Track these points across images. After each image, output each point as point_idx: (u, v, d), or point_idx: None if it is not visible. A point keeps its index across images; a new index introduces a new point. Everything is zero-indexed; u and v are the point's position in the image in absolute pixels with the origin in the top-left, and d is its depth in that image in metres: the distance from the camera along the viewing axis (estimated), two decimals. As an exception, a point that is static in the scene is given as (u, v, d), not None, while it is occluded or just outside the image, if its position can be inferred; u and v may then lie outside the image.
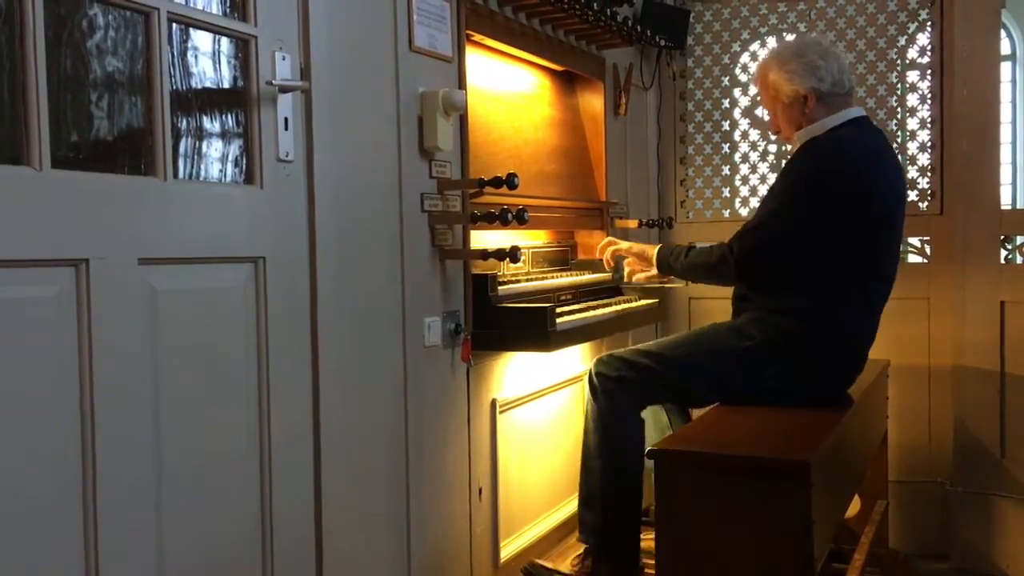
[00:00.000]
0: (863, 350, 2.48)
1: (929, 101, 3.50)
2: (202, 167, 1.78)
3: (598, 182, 3.36)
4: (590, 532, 2.50)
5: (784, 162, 3.70)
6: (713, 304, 3.64)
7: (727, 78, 3.83)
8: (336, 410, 2.01)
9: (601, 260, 3.24)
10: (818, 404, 2.36)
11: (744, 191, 3.84)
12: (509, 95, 2.96)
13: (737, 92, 3.83)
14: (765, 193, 2.46)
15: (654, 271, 2.65)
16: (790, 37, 3.70)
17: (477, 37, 2.62)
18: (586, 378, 2.57)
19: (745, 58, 3.82)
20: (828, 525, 2.12)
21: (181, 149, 1.73)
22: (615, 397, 2.45)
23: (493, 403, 2.62)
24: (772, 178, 3.74)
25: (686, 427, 2.21)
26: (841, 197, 2.31)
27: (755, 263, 2.38)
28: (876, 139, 2.46)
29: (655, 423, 2.76)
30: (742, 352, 2.39)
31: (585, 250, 3.33)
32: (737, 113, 3.84)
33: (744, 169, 3.84)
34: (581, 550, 2.68)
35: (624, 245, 2.68)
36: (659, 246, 2.61)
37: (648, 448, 2.05)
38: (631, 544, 2.45)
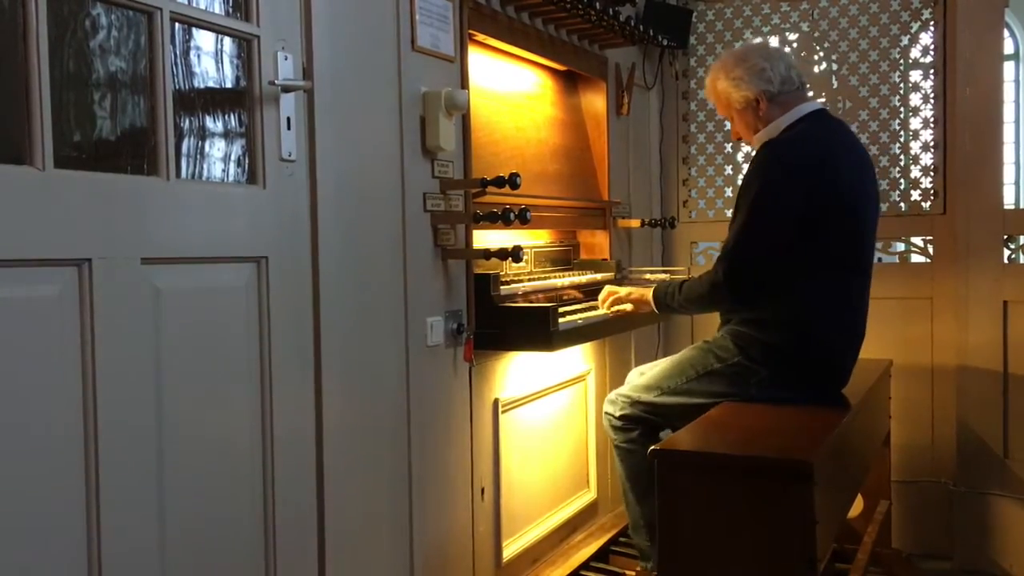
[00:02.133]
0: (850, 347, 2.47)
1: (932, 101, 3.49)
2: (205, 167, 1.78)
3: (600, 182, 3.36)
4: (646, 557, 2.62)
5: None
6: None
7: (729, 78, 3.82)
8: (338, 410, 2.01)
9: (602, 260, 3.24)
10: (816, 403, 2.37)
11: (746, 191, 3.83)
12: (512, 95, 2.95)
13: (739, 92, 3.82)
14: (732, 207, 2.46)
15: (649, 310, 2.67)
16: (793, 36, 3.70)
17: (480, 37, 2.62)
18: (603, 417, 2.71)
19: (748, 58, 3.81)
20: (831, 525, 2.12)
21: (184, 149, 1.73)
22: (627, 433, 2.59)
23: (495, 403, 2.62)
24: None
25: (688, 427, 2.21)
26: (804, 191, 2.30)
27: (745, 280, 2.37)
28: (834, 131, 2.47)
29: None
30: (726, 371, 2.43)
31: (587, 250, 3.33)
32: (740, 113, 3.83)
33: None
34: (587, 552, 2.72)
35: (623, 292, 2.69)
36: (653, 288, 2.61)
37: (650, 448, 2.04)
38: None
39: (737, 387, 2.42)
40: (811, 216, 2.30)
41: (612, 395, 2.65)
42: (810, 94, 2.60)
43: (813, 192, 2.30)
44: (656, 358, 3.29)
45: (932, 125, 3.50)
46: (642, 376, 2.63)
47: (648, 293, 2.60)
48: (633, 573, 2.75)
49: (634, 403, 2.57)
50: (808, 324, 2.36)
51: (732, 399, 2.41)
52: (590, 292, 2.94)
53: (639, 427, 2.57)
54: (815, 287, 2.35)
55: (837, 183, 2.34)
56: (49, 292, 1.45)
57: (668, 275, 3.26)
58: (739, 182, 3.82)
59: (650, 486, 2.40)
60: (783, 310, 2.36)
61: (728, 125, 3.82)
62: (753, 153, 2.47)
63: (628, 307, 2.67)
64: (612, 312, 2.70)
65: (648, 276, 3.28)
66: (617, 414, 2.60)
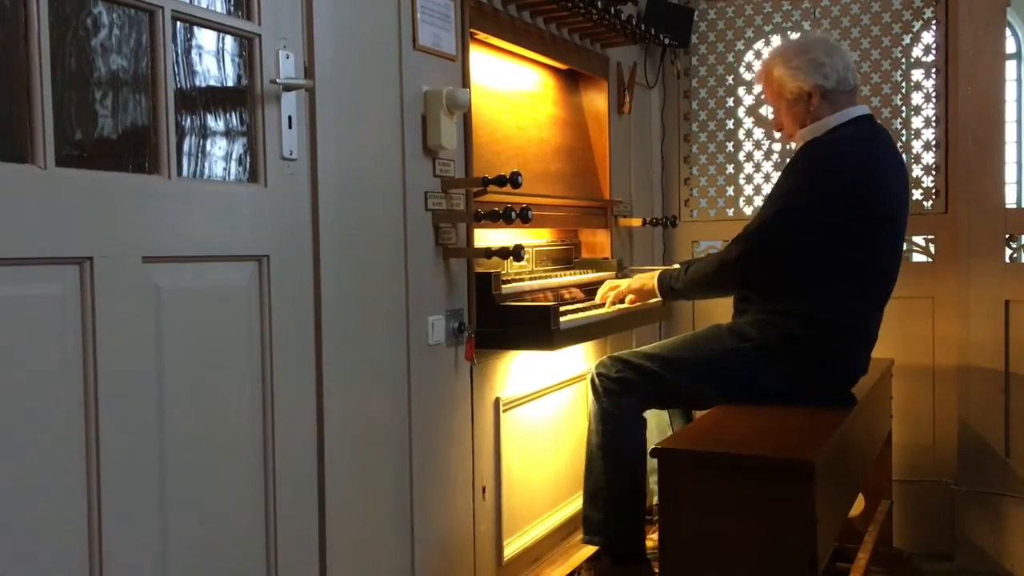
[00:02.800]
0: (864, 350, 2.47)
1: (934, 100, 3.49)
2: (206, 165, 1.78)
3: (602, 181, 3.36)
4: (595, 531, 2.51)
5: (787, 160, 3.71)
6: (716, 303, 3.63)
7: (731, 76, 3.83)
8: (340, 408, 2.01)
9: (604, 259, 3.24)
10: (821, 404, 2.36)
11: (748, 190, 3.84)
12: (513, 94, 2.95)
13: (741, 91, 3.83)
14: (767, 193, 2.45)
15: (657, 299, 2.65)
16: (794, 36, 3.70)
17: (481, 36, 2.61)
18: (588, 379, 2.59)
19: (749, 56, 3.82)
20: (832, 524, 2.12)
21: (185, 147, 1.73)
22: (617, 398, 2.47)
23: (496, 402, 2.62)
24: (776, 176, 3.73)
25: (690, 426, 2.21)
26: (843, 198, 2.30)
27: (757, 266, 2.36)
28: (878, 138, 2.45)
29: (657, 424, 2.77)
30: (742, 353, 2.39)
31: (589, 249, 3.33)
32: (741, 112, 3.84)
33: (748, 168, 3.84)
34: (587, 551, 2.68)
35: (623, 285, 2.68)
36: (658, 273, 2.59)
37: (651, 447, 2.04)
38: (636, 541, 2.46)
39: (748, 372, 2.38)
40: (846, 223, 2.29)
41: (607, 359, 2.54)
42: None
43: (851, 200, 2.29)
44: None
45: (934, 124, 3.49)
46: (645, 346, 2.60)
47: (650, 279, 2.59)
48: (589, 565, 2.65)
49: (634, 367, 2.46)
50: (831, 324, 2.34)
51: (737, 386, 2.39)
52: (591, 291, 2.94)
53: (632, 395, 2.45)
54: (844, 289, 2.34)
55: (878, 193, 2.32)
56: (50, 291, 1.45)
57: (669, 274, 3.26)
58: (740, 181, 3.84)
59: (628, 454, 2.43)
60: (810, 307, 2.34)
61: (731, 124, 3.84)
62: (794, 148, 2.45)
63: (631, 298, 2.66)
64: (614, 310, 2.70)
65: (649, 275, 3.28)
66: (613, 375, 2.47)
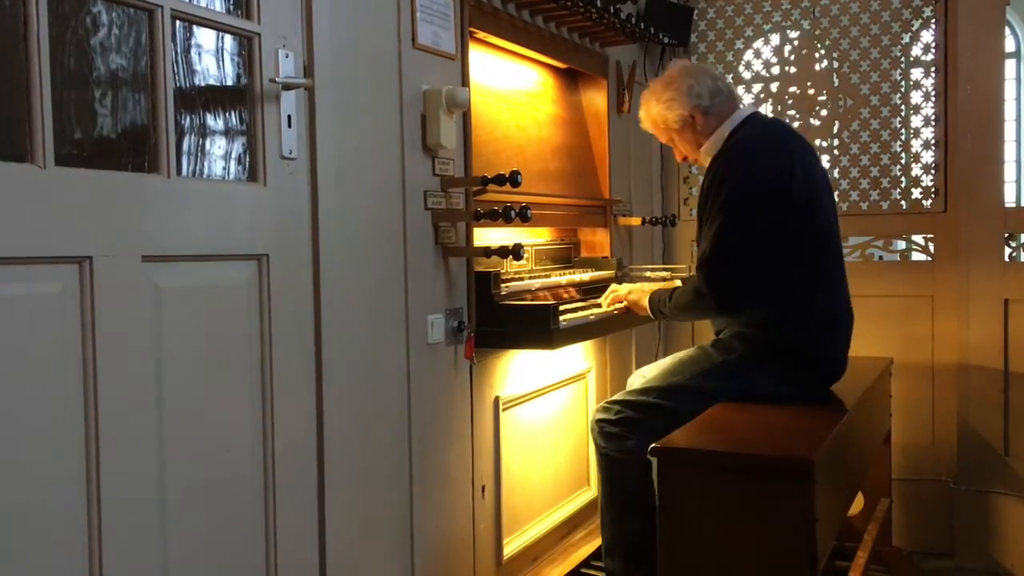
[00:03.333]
0: (838, 333, 2.48)
1: (933, 99, 3.49)
2: (205, 164, 1.78)
3: (601, 180, 3.36)
4: None
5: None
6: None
7: (730, 76, 3.82)
8: (339, 407, 2.01)
9: (603, 258, 3.24)
10: (819, 400, 2.37)
11: (747, 189, 3.83)
12: (512, 93, 2.95)
13: (740, 89, 3.82)
14: (697, 222, 2.47)
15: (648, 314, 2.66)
16: (794, 34, 3.70)
17: (480, 34, 2.61)
18: (589, 427, 2.57)
19: (749, 55, 3.82)
20: (831, 523, 2.12)
21: (184, 146, 1.73)
22: (620, 441, 2.43)
23: (496, 401, 2.62)
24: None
25: (688, 425, 2.21)
26: (769, 192, 2.32)
27: (726, 285, 2.36)
28: (773, 127, 2.52)
29: None
30: (729, 364, 2.42)
31: (588, 248, 3.33)
32: (741, 111, 3.83)
33: (747, 167, 3.83)
34: (587, 551, 2.68)
35: (623, 291, 2.70)
36: (649, 295, 2.60)
37: (651, 446, 2.04)
38: None
39: (739, 381, 2.40)
40: (781, 212, 2.33)
41: (604, 404, 2.54)
42: (743, 104, 2.64)
43: (779, 188, 2.33)
44: (657, 356, 3.30)
45: (933, 123, 3.49)
46: (641, 378, 2.62)
47: (644, 299, 2.60)
48: None
49: (633, 405, 2.47)
50: (799, 316, 2.38)
51: (733, 395, 2.40)
52: (591, 290, 2.94)
53: (636, 434, 2.42)
54: (799, 279, 2.37)
55: (798, 175, 2.36)
56: (50, 290, 1.45)
57: (669, 273, 3.26)
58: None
59: (639, 501, 2.34)
60: (774, 308, 2.37)
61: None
62: (706, 167, 2.47)
63: (624, 304, 2.68)
64: (612, 309, 2.70)
65: (649, 274, 3.28)
66: (613, 418, 2.46)
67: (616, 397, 2.54)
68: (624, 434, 2.44)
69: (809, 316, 2.39)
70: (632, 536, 2.42)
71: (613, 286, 2.77)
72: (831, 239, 2.47)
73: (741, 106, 2.57)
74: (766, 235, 2.33)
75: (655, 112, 2.57)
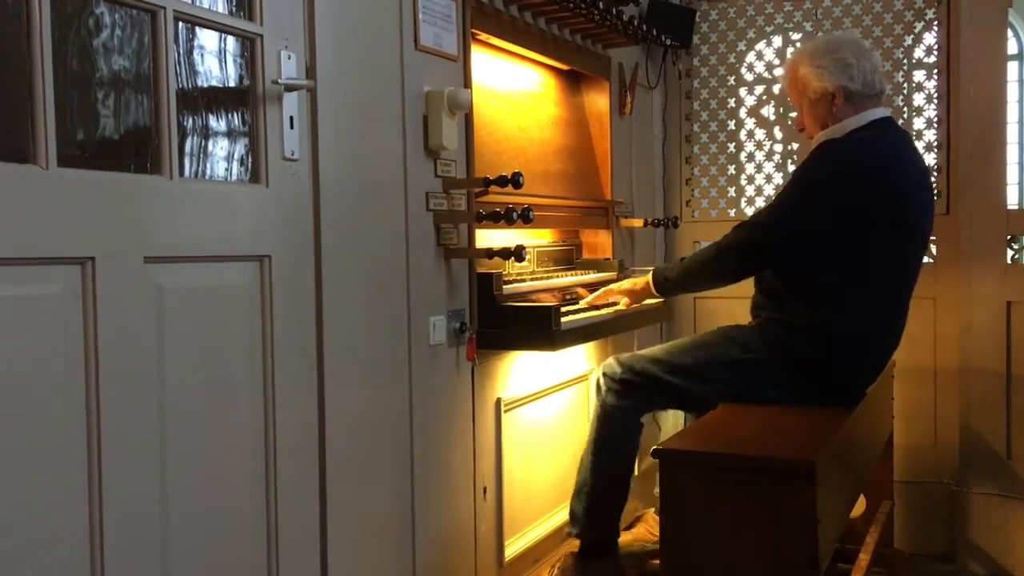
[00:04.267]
0: (873, 360, 2.44)
1: (935, 101, 3.49)
2: (208, 166, 1.79)
3: (603, 181, 3.36)
4: (575, 522, 2.58)
5: (794, 160, 3.71)
6: (718, 304, 3.64)
7: (733, 77, 3.82)
8: (341, 408, 2.01)
9: (605, 259, 3.25)
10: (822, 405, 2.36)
11: (750, 190, 3.83)
12: (515, 94, 2.95)
13: (743, 91, 3.83)
14: (774, 191, 2.46)
15: (654, 299, 2.66)
16: (796, 36, 3.70)
17: (483, 36, 2.62)
18: (592, 378, 2.60)
19: (751, 57, 3.82)
20: (833, 525, 2.12)
21: (187, 148, 1.73)
22: (618, 398, 2.50)
23: (498, 402, 2.62)
24: (778, 177, 3.74)
25: (691, 426, 2.22)
26: (850, 200, 2.28)
27: (754, 253, 2.36)
28: (896, 142, 2.42)
29: (673, 424, 2.80)
30: (744, 365, 2.40)
31: (590, 249, 3.33)
32: (743, 112, 3.83)
33: (750, 168, 3.83)
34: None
35: (614, 287, 2.70)
36: (652, 269, 2.60)
37: (653, 447, 2.04)
38: (608, 536, 2.54)
39: (754, 384, 2.38)
40: (852, 225, 2.27)
41: (611, 360, 2.55)
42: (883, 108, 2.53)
43: (858, 203, 2.27)
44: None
45: (936, 125, 3.49)
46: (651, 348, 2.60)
47: (642, 279, 2.61)
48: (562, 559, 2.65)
49: (638, 371, 2.47)
50: (836, 336, 2.32)
51: (737, 395, 2.40)
52: (593, 291, 2.93)
53: (633, 398, 2.47)
54: (851, 297, 2.32)
55: (891, 196, 2.30)
56: (52, 291, 1.45)
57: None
58: (742, 182, 3.83)
59: (617, 455, 2.48)
60: (818, 318, 2.33)
61: (732, 125, 3.83)
62: (805, 149, 2.46)
63: (625, 301, 2.67)
64: (615, 311, 2.71)
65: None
66: (617, 376, 2.48)
67: (625, 357, 2.55)
68: (623, 393, 2.49)
69: (851, 338, 2.33)
70: (602, 483, 2.49)
71: (606, 288, 2.79)
72: (901, 267, 2.39)
73: (881, 108, 2.45)
74: (824, 236, 2.28)
75: (802, 72, 2.44)
